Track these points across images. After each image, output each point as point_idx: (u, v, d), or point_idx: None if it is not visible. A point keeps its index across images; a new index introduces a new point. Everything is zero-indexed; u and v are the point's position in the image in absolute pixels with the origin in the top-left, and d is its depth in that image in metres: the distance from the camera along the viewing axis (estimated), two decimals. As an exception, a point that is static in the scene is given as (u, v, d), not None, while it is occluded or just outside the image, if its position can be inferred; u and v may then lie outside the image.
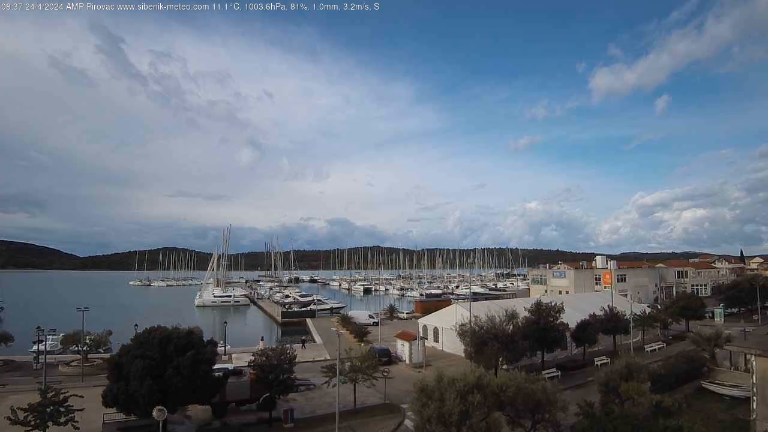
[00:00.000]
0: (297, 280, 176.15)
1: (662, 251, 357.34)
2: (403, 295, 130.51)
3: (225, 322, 50.99)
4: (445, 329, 45.78)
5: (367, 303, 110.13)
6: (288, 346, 32.06)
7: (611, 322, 43.29)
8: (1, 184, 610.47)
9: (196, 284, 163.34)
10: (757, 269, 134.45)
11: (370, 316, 66.93)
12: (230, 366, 33.26)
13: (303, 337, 54.01)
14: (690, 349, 39.28)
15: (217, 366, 26.64)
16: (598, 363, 38.88)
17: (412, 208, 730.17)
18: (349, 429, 25.46)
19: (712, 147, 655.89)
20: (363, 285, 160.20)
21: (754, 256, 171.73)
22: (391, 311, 76.58)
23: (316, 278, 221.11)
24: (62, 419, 20.70)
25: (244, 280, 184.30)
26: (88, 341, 41.10)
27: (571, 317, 40.56)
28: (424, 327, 51.06)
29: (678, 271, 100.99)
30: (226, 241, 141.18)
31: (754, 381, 23.18)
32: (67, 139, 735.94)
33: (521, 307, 37.10)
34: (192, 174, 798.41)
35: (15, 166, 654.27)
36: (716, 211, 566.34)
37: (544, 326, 35.45)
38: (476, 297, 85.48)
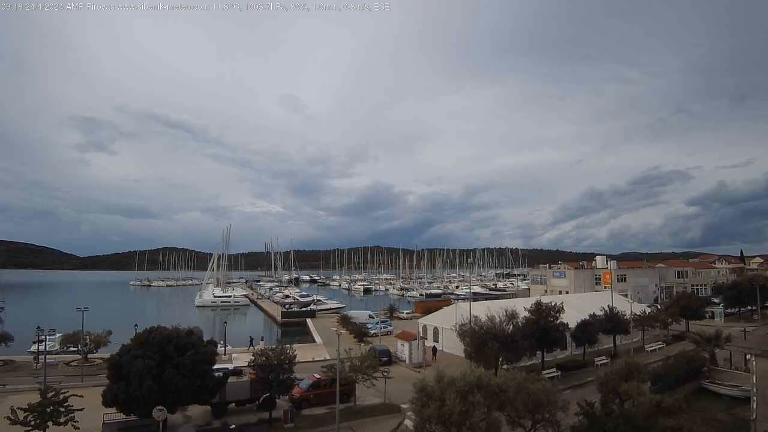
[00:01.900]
0: (297, 280, 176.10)
1: (662, 251, 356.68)
2: (403, 295, 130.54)
3: (225, 322, 50.98)
4: (445, 329, 45.76)
5: (366, 303, 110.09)
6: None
7: (611, 322, 43.26)
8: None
9: (196, 284, 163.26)
10: (757, 269, 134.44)
11: (371, 316, 66.90)
12: (230, 366, 33.25)
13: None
14: (690, 349, 39.27)
15: (217, 366, 26.63)
16: (598, 363, 38.88)
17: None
18: (349, 429, 25.47)
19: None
20: (363, 285, 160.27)
21: (754, 256, 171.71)
22: (391, 311, 76.56)
23: (316, 278, 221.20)
24: (62, 419, 20.69)
25: (244, 280, 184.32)
26: (88, 341, 41.06)
27: (571, 317, 40.53)
28: (424, 327, 51.07)
29: (678, 271, 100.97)
30: (226, 241, 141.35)
31: (754, 381, 23.23)
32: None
33: (521, 307, 37.04)
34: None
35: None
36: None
37: (544, 326, 35.42)
38: (476, 297, 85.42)
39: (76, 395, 22.13)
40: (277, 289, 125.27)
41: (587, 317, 42.44)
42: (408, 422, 24.84)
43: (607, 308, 44.56)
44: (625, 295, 71.05)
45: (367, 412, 27.92)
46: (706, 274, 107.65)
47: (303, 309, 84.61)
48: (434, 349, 44.12)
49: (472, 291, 75.21)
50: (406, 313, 77.94)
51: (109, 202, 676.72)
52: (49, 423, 20.56)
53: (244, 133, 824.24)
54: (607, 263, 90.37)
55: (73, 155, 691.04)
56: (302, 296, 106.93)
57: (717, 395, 30.94)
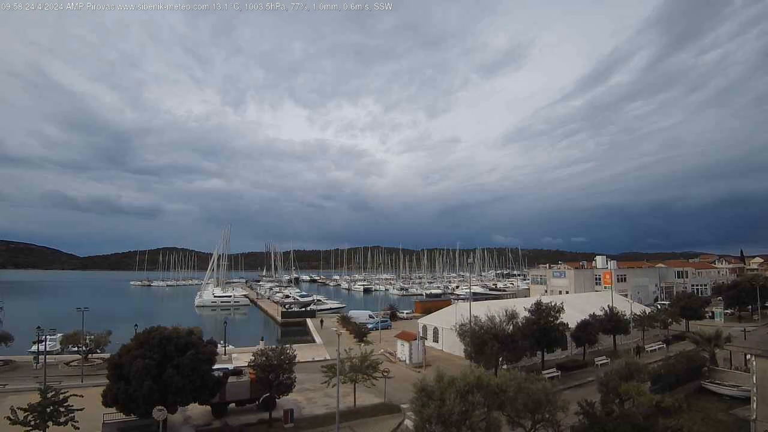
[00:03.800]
0: (297, 280, 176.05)
1: (662, 251, 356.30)
2: (403, 295, 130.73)
3: (225, 322, 50.94)
4: (445, 329, 45.78)
5: (366, 303, 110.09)
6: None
7: (611, 322, 43.29)
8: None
9: (197, 284, 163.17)
10: (757, 269, 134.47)
11: (370, 316, 66.91)
12: (230, 366, 33.24)
13: None
14: (690, 349, 39.28)
15: (217, 366, 26.64)
16: (598, 363, 38.87)
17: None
18: (349, 429, 25.47)
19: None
20: (363, 285, 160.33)
21: (754, 256, 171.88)
22: (392, 311, 76.49)
23: (316, 278, 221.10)
24: (62, 419, 20.69)
25: (244, 281, 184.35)
26: (88, 341, 41.04)
27: (571, 317, 40.57)
28: (424, 327, 51.06)
29: (678, 271, 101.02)
30: (226, 241, 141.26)
31: (754, 381, 23.20)
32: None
33: (521, 307, 37.10)
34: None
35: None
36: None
37: (544, 326, 35.45)
38: (476, 297, 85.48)
39: (76, 395, 22.14)
40: (277, 289, 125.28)
41: (587, 317, 42.46)
42: (408, 422, 24.85)
43: (607, 308, 44.57)
44: (625, 295, 71.11)
45: (367, 412, 27.92)
46: (706, 274, 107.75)
47: (303, 309, 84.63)
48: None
49: (472, 291, 75.24)
50: (406, 313, 77.95)
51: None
52: (49, 423, 20.56)
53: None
54: (607, 263, 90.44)
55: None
56: (302, 296, 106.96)
57: (717, 395, 30.93)
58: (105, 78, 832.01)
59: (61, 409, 20.86)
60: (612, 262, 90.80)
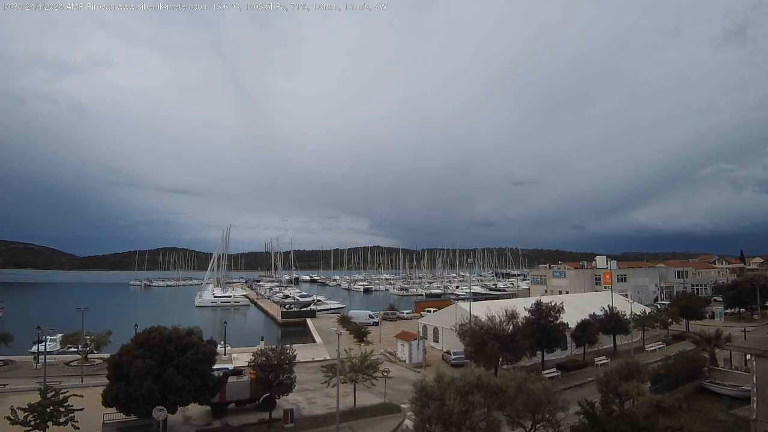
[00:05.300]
0: (297, 280, 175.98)
1: (662, 251, 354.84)
2: (403, 295, 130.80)
3: (225, 322, 50.95)
4: (445, 329, 45.76)
5: (367, 303, 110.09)
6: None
7: (611, 322, 43.30)
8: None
9: (197, 284, 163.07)
10: (757, 269, 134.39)
11: (370, 316, 66.91)
12: (230, 366, 33.24)
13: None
14: (690, 349, 39.25)
15: (217, 366, 26.64)
16: (598, 363, 38.87)
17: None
18: (349, 429, 25.47)
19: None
20: (363, 285, 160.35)
21: (754, 256, 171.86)
22: (392, 311, 76.48)
23: (316, 278, 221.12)
24: (62, 419, 20.71)
25: (244, 281, 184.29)
26: (88, 341, 41.04)
27: (571, 317, 40.54)
28: (424, 327, 51.06)
29: (678, 271, 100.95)
30: (226, 241, 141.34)
31: (754, 381, 23.20)
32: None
33: (521, 307, 37.08)
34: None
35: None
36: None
37: (544, 326, 35.45)
38: (476, 297, 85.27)
39: (76, 395, 22.15)
40: (277, 289, 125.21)
41: (587, 317, 42.44)
42: (408, 422, 24.85)
43: (607, 308, 44.56)
44: (625, 295, 71.01)
45: (367, 412, 27.92)
46: (706, 274, 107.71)
47: (303, 309, 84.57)
48: None
49: (472, 291, 75.20)
50: (407, 313, 77.93)
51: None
52: (49, 423, 20.58)
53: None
54: (607, 263, 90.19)
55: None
56: (302, 296, 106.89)
57: (717, 395, 30.90)
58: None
59: (61, 409, 20.89)
60: (612, 262, 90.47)
